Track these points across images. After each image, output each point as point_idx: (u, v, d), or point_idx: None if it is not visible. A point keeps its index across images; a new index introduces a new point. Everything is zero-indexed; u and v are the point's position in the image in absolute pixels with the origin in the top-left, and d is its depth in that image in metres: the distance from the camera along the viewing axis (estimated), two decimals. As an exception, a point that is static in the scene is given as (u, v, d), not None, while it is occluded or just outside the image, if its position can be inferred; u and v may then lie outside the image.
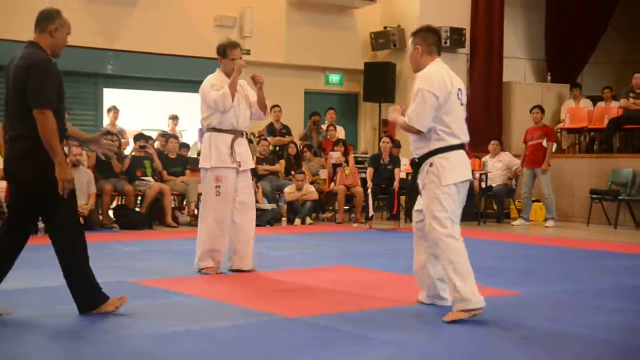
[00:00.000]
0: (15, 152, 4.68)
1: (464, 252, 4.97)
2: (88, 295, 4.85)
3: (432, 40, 5.15)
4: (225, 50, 6.64)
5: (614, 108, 14.01)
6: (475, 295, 4.80)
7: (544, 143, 12.40)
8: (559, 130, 14.52)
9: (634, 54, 16.22)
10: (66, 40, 4.89)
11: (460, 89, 5.09)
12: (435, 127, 4.99)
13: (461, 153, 5.07)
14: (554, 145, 12.98)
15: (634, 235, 10.97)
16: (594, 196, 11.90)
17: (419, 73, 5.10)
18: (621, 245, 9.49)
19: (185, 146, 13.09)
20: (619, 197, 11.74)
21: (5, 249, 4.83)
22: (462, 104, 5.09)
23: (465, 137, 5.10)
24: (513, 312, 5.25)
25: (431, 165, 5.02)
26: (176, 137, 12.78)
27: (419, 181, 5.17)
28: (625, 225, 11.84)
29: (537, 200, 12.97)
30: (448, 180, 4.99)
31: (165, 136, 12.80)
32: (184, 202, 12.39)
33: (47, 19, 4.82)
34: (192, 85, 14.33)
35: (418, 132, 5.03)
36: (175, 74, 13.99)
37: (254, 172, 12.11)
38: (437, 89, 4.93)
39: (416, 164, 5.19)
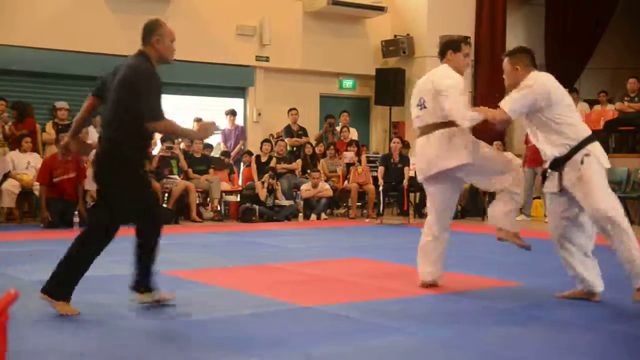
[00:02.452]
0: (99, 152, 4.72)
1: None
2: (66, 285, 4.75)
3: (528, 60, 5.34)
4: (460, 45, 5.76)
5: (610, 111, 13.92)
6: None
7: (545, 144, 12.30)
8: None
9: (627, 61, 16.11)
10: (171, 48, 4.87)
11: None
12: (566, 119, 5.04)
13: None
14: (554, 146, 12.89)
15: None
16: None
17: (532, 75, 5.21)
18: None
19: (209, 146, 13.11)
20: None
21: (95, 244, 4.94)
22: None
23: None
24: (516, 301, 5.23)
25: (587, 154, 4.93)
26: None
27: (570, 175, 4.98)
28: None
29: (538, 197, 12.90)
30: (607, 163, 5.01)
31: (190, 137, 12.82)
32: (208, 199, 12.42)
33: (149, 32, 4.83)
34: (214, 90, 14.39)
35: (507, 119, 5.21)
36: (200, 79, 14.01)
37: (273, 170, 12.18)
38: (543, 89, 5.09)
39: (560, 160, 5.05)
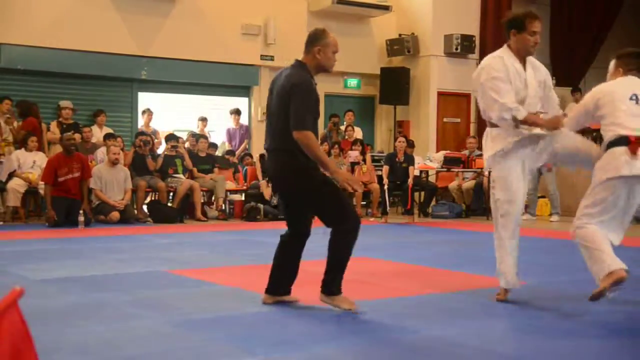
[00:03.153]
0: (275, 163, 4.69)
1: None
2: (334, 283, 4.77)
3: (635, 65, 5.09)
4: (524, 22, 4.91)
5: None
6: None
7: (549, 143, 12.28)
8: (562, 131, 14.39)
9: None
10: (332, 59, 4.74)
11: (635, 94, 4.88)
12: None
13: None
14: (559, 145, 12.86)
15: (633, 229, 10.85)
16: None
17: None
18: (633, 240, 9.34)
19: (214, 146, 13.12)
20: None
21: (291, 249, 4.95)
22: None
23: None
24: (520, 300, 5.22)
25: None
26: (205, 137, 12.82)
27: None
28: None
29: (543, 197, 12.88)
30: None
31: (195, 136, 12.84)
32: (213, 198, 12.42)
33: (312, 41, 4.69)
34: (219, 89, 14.40)
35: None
36: (204, 78, 14.02)
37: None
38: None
39: None
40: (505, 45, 5.07)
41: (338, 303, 4.69)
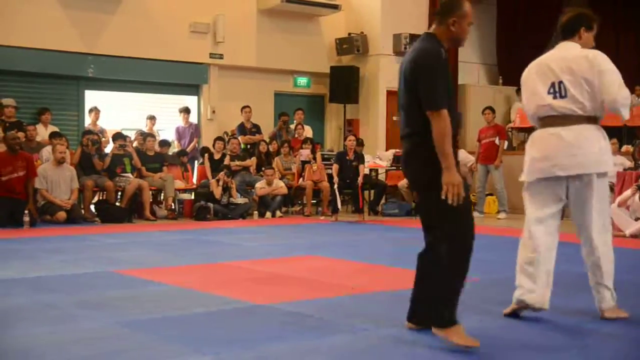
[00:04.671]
0: (404, 150, 4.10)
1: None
2: (441, 312, 3.94)
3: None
4: (593, 23, 4.67)
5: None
6: None
7: (497, 141, 12.49)
8: (510, 130, 14.62)
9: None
10: (467, 32, 4.09)
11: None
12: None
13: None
14: (506, 143, 13.08)
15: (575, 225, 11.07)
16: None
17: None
18: (564, 235, 9.48)
19: (166, 143, 12.99)
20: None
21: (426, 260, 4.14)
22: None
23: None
24: (474, 296, 5.26)
25: None
26: (153, 136, 12.68)
27: None
28: (568, 217, 11.91)
29: (491, 194, 13.06)
30: None
31: (143, 135, 12.70)
32: (162, 197, 12.30)
33: (447, 12, 4.05)
34: (168, 87, 14.26)
35: None
36: (152, 76, 13.87)
37: (228, 168, 12.12)
38: None
39: None
40: (570, 41, 4.65)
41: (448, 336, 3.89)
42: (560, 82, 4.50)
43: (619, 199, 9.56)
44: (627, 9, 15.85)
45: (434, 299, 3.96)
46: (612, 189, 10.35)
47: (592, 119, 4.46)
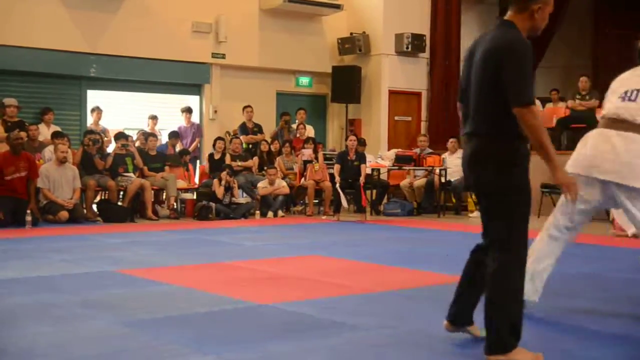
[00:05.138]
0: (471, 150, 3.66)
1: None
2: (496, 334, 3.57)
3: None
4: None
5: (562, 109, 14.15)
6: None
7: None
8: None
9: (579, 60, 16.38)
10: (546, 21, 3.68)
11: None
12: None
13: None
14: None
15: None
16: (544, 190, 11.98)
17: None
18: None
19: (175, 135, 13.12)
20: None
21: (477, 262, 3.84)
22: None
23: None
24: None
25: None
26: (155, 136, 12.70)
27: None
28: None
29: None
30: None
31: (145, 134, 12.71)
32: (164, 197, 12.30)
33: None
34: (170, 87, 14.27)
35: None
36: (155, 76, 13.87)
37: (230, 167, 12.12)
38: None
39: None
40: None
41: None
42: (636, 90, 4.46)
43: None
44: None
45: (496, 322, 3.55)
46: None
47: None
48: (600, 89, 13.72)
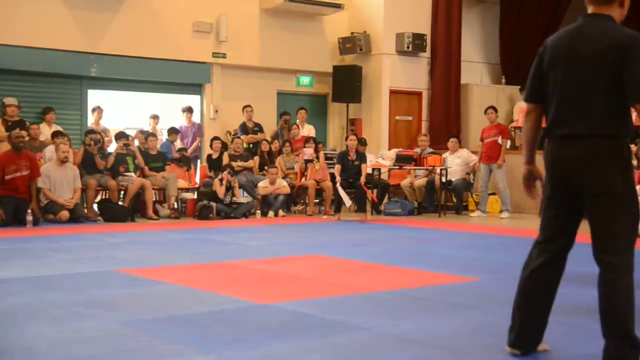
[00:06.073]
0: (582, 154, 3.44)
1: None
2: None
3: None
4: None
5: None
6: None
7: (499, 140, 12.48)
8: (512, 129, 14.60)
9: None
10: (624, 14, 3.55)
11: None
12: None
13: None
14: (508, 143, 13.06)
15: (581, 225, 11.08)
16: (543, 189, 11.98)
17: None
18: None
19: (175, 131, 13.20)
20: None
21: (551, 277, 3.65)
22: None
23: None
24: (472, 296, 5.27)
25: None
26: (155, 135, 12.69)
27: None
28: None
29: (493, 194, 13.04)
30: None
31: (143, 133, 12.70)
32: (165, 196, 12.30)
33: None
34: (171, 86, 14.26)
35: None
36: (155, 76, 13.86)
37: (230, 167, 12.12)
38: None
39: None
40: None
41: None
42: None
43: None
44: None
45: (620, 340, 3.32)
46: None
47: None
48: None
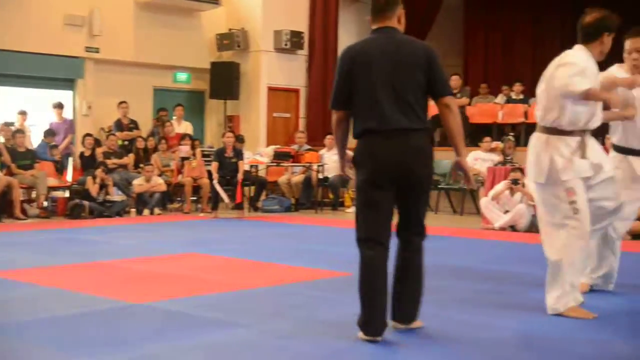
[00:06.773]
0: (407, 145, 3.88)
1: None
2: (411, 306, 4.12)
3: None
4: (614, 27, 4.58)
5: (433, 107, 14.55)
6: None
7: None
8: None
9: (451, 59, 16.91)
10: None
11: None
12: None
13: None
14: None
15: (452, 219, 11.51)
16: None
17: None
18: (440, 228, 9.79)
19: (52, 133, 12.67)
20: (439, 186, 12.25)
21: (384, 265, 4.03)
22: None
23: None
24: (345, 290, 5.36)
25: None
26: (23, 132, 12.20)
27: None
28: (444, 211, 12.39)
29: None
30: None
31: (8, 125, 12.16)
32: (33, 195, 11.85)
33: (397, 2, 4.09)
34: (41, 81, 13.75)
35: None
36: (24, 70, 13.31)
37: (104, 165, 11.81)
38: None
39: None
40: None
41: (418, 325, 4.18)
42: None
43: (491, 192, 9.96)
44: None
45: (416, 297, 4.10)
46: (482, 183, 10.81)
47: None
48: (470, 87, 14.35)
